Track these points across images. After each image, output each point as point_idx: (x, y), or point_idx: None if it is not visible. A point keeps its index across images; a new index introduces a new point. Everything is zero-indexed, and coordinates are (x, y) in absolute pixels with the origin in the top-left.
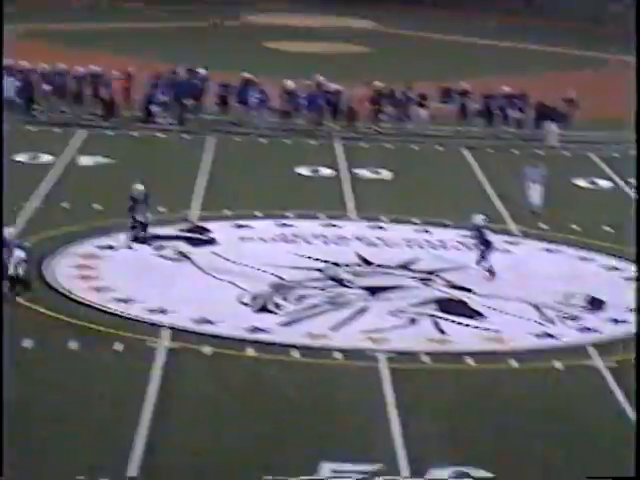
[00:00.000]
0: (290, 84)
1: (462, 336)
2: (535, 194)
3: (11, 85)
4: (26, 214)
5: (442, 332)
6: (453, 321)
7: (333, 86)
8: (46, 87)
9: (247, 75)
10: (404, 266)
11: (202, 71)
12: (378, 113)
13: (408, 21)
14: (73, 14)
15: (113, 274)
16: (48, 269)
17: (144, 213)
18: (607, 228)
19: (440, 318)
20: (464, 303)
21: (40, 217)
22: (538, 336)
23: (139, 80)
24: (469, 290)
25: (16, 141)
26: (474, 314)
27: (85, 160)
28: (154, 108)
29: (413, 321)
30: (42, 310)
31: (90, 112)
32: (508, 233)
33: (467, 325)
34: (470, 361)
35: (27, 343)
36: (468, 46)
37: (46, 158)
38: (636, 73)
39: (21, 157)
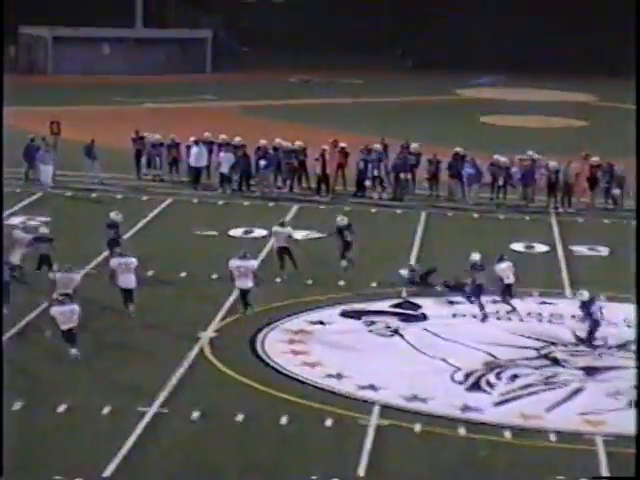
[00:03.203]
0: (501, 159)
1: None
2: None
3: (227, 160)
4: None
5: None
6: None
7: (551, 163)
8: (262, 162)
9: (459, 149)
10: (622, 346)
11: (414, 146)
12: (595, 188)
13: (626, 93)
14: (290, 89)
15: (324, 349)
16: (260, 343)
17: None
18: None
19: None
20: None
21: (252, 291)
22: None
23: (353, 155)
24: None
25: (231, 216)
26: None
27: (298, 234)
28: (367, 183)
29: (631, 404)
30: (253, 384)
31: (304, 187)
32: None
33: None
34: None
35: (239, 417)
36: None
37: (260, 232)
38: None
39: (234, 232)
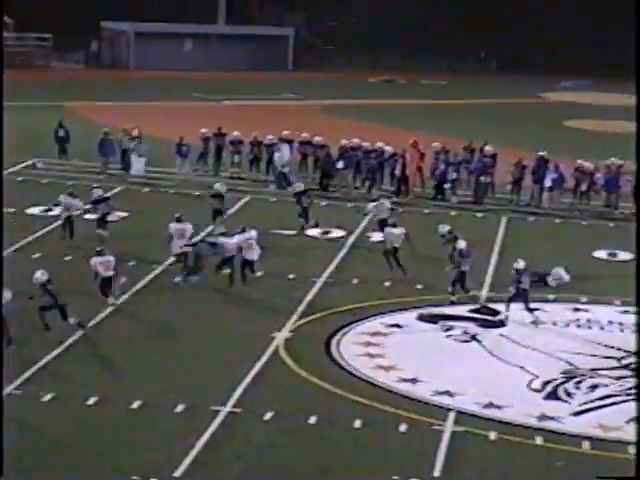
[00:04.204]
0: (586, 164)
1: None
2: None
3: (280, 157)
4: (314, 289)
5: None
6: None
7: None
8: (340, 163)
9: (544, 154)
10: None
11: (488, 148)
12: None
13: None
14: (371, 89)
15: (399, 353)
16: (335, 345)
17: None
18: None
19: None
20: None
21: (329, 292)
22: None
23: (431, 157)
24: None
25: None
26: None
27: (375, 236)
28: (446, 186)
29: None
30: (328, 387)
31: (382, 188)
32: None
33: None
34: None
35: (312, 419)
36: None
37: (337, 233)
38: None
39: (312, 232)
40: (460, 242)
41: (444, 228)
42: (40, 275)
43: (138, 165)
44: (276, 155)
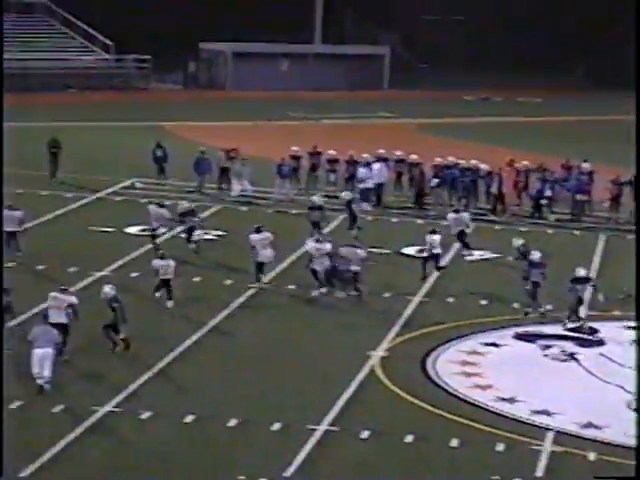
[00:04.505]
0: None
1: None
2: None
3: (366, 174)
4: (410, 308)
5: None
6: None
7: None
8: (434, 180)
9: None
10: None
11: (586, 165)
12: None
13: None
14: (467, 107)
15: (496, 372)
16: (431, 363)
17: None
18: None
19: None
20: None
21: (425, 310)
22: None
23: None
24: None
25: (405, 233)
26: None
27: (472, 254)
28: (543, 202)
29: None
30: (424, 405)
31: (478, 206)
32: None
33: None
34: None
35: (409, 438)
36: None
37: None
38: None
39: (408, 250)
40: (534, 253)
41: (517, 241)
42: (109, 290)
43: (239, 186)
44: (361, 171)
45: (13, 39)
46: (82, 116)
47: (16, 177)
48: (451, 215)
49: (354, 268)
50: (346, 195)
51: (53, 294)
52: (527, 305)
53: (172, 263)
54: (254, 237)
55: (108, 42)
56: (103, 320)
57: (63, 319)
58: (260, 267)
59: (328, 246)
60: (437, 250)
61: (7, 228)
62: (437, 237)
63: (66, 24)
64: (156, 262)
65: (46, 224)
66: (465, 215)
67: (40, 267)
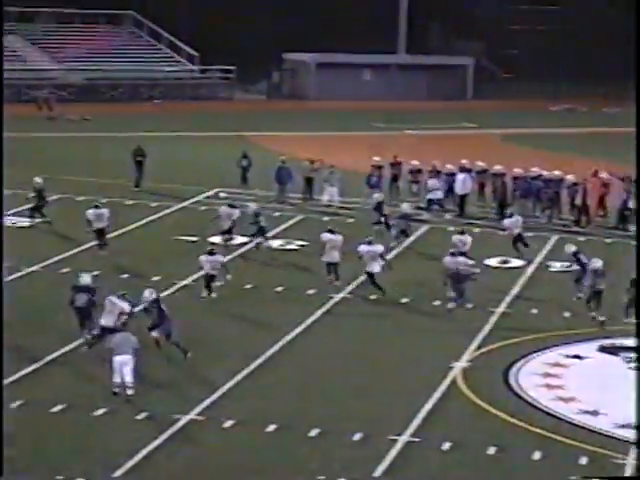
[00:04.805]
0: None
1: None
2: None
3: (434, 185)
4: (492, 319)
5: None
6: None
7: None
8: (516, 192)
9: None
10: None
11: None
12: None
13: None
14: (551, 118)
15: (579, 384)
16: (514, 375)
17: None
18: None
19: None
20: None
21: (507, 322)
22: None
23: (615, 186)
24: None
25: (487, 245)
26: None
27: (556, 266)
28: (627, 214)
29: None
30: (506, 417)
31: (561, 217)
32: None
33: None
34: None
35: (490, 450)
36: None
37: (516, 262)
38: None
39: (490, 261)
40: (595, 261)
41: (570, 248)
42: (148, 294)
43: (328, 195)
44: (430, 182)
45: (102, 50)
46: (167, 126)
47: (102, 186)
48: (507, 220)
49: (475, 270)
50: (378, 198)
51: (110, 298)
52: (601, 314)
53: (220, 259)
54: (325, 237)
55: (193, 53)
56: (189, 331)
57: (111, 323)
58: (328, 267)
59: (380, 248)
60: (466, 248)
61: (96, 225)
62: (464, 237)
63: (153, 35)
64: (204, 258)
65: (130, 233)
66: (520, 219)
67: (124, 276)
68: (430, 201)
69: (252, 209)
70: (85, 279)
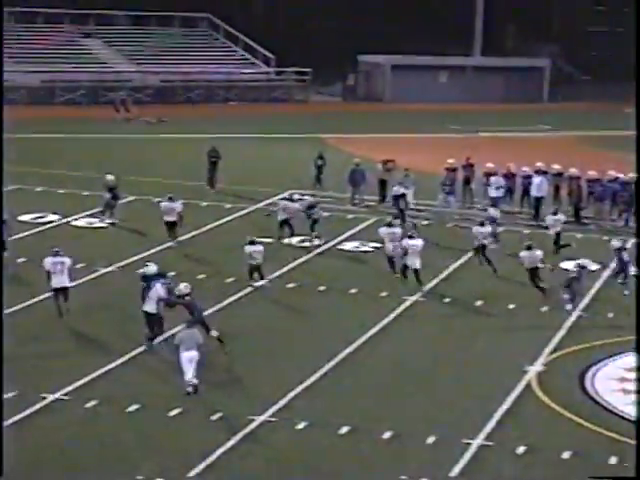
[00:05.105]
0: None
1: None
2: None
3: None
4: (568, 323)
5: None
6: None
7: None
8: (592, 195)
9: None
10: None
11: None
12: None
13: None
14: (627, 120)
15: None
16: (590, 379)
17: None
18: None
19: None
20: None
21: (583, 325)
22: None
23: None
24: None
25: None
26: None
27: (632, 269)
28: None
29: None
30: (582, 422)
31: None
32: None
33: None
34: None
35: (565, 454)
36: None
37: (591, 266)
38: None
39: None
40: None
41: (617, 243)
42: (183, 288)
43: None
44: (492, 179)
45: (178, 52)
46: (242, 128)
47: (179, 187)
48: (550, 218)
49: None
50: (396, 191)
51: (156, 284)
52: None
53: (260, 248)
54: (383, 230)
55: (269, 55)
56: (262, 331)
57: (153, 309)
58: (390, 261)
59: (420, 242)
60: (486, 241)
61: (168, 218)
62: (484, 229)
63: (229, 38)
64: (249, 248)
65: (205, 234)
66: (561, 216)
67: (200, 277)
68: (493, 199)
69: (307, 202)
70: (152, 268)
